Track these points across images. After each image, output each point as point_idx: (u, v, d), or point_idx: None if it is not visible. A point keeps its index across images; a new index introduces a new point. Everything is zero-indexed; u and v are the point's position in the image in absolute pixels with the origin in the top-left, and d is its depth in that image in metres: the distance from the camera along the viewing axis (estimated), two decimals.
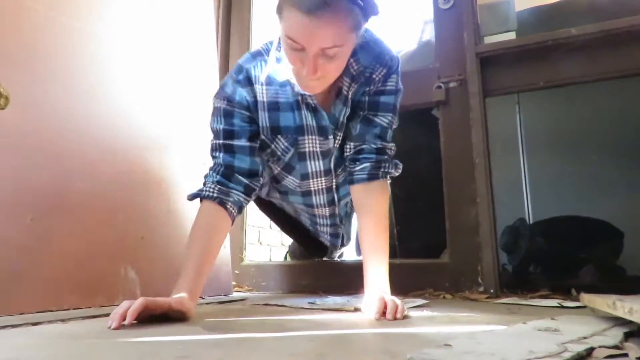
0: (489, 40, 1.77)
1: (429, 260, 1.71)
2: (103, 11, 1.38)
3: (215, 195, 1.14)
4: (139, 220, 1.36)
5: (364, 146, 1.23)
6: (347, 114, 1.23)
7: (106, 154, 1.30)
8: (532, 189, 2.36)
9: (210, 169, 1.20)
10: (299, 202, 1.47)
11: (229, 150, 1.19)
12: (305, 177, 1.35)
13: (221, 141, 1.19)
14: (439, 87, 1.71)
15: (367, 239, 1.18)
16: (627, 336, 0.67)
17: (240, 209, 1.19)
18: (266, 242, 2.46)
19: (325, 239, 1.63)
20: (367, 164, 1.21)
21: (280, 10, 0.99)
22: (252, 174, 1.20)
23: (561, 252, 1.92)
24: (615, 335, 0.67)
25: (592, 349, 0.57)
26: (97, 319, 0.98)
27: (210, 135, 1.23)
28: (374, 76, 1.20)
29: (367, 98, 1.22)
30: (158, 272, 1.36)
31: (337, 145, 1.28)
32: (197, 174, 1.59)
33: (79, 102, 1.26)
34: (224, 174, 1.17)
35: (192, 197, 1.17)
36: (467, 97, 1.66)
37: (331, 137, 1.25)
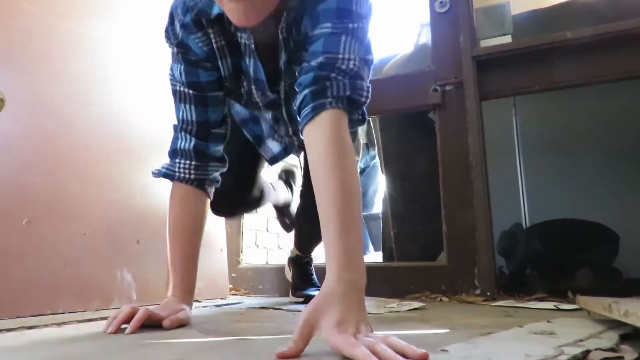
0: (485, 43, 1.78)
1: (425, 263, 1.71)
2: (100, 13, 1.38)
3: (193, 177, 1.01)
4: (134, 224, 1.36)
5: (303, 65, 0.88)
6: (285, 59, 0.99)
7: (102, 157, 1.30)
8: (528, 192, 2.36)
9: (180, 128, 1.03)
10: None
11: (201, 102, 1.02)
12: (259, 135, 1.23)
13: (189, 90, 1.01)
14: (436, 90, 1.71)
15: (318, 199, 0.76)
16: (623, 339, 0.67)
17: (217, 182, 1.08)
18: (263, 245, 2.46)
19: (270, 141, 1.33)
20: (307, 92, 0.83)
21: None
22: (224, 122, 1.07)
23: (557, 254, 1.92)
24: (611, 337, 0.67)
25: (588, 352, 0.57)
26: (92, 322, 0.98)
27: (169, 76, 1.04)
28: None
29: (307, 20, 0.92)
30: (154, 275, 1.36)
31: (284, 96, 1.07)
32: None
33: (75, 104, 1.25)
34: (199, 135, 1.02)
35: (160, 176, 1.03)
36: (464, 100, 1.66)
37: (266, 87, 1.04)
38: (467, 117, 1.65)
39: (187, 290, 0.98)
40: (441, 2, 1.79)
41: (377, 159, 3.19)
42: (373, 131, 2.93)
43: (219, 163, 1.07)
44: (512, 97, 2.22)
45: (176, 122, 1.05)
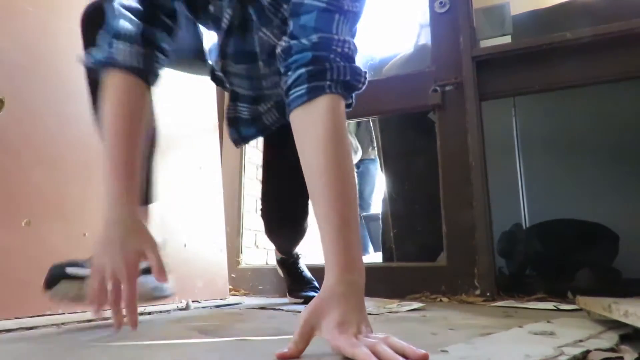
0: (485, 43, 1.78)
1: (425, 264, 1.71)
2: None
3: (135, 64, 0.84)
4: None
5: (292, 42, 0.78)
6: None
7: (101, 157, 1.30)
8: (528, 192, 2.36)
9: (120, 3, 0.85)
10: None
11: None
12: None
13: None
14: (435, 90, 1.71)
15: (313, 195, 0.72)
16: (623, 339, 0.67)
17: (158, 77, 0.92)
18: (262, 246, 2.46)
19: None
20: (303, 71, 0.75)
21: None
22: (172, 14, 0.91)
23: (557, 255, 1.92)
24: (610, 338, 0.67)
25: (587, 352, 0.57)
26: (93, 323, 0.98)
27: None
28: None
29: None
30: None
31: (226, 27, 0.96)
32: (194, 178, 1.59)
33: (74, 104, 1.25)
34: (145, 17, 0.86)
35: (100, 63, 0.85)
36: (463, 100, 1.66)
37: (227, 14, 0.93)
38: (466, 118, 1.65)
39: (136, 198, 0.83)
40: (441, 3, 1.79)
41: (366, 160, 3.20)
42: (372, 132, 2.94)
43: (163, 55, 0.92)
44: (512, 97, 2.22)
45: None
